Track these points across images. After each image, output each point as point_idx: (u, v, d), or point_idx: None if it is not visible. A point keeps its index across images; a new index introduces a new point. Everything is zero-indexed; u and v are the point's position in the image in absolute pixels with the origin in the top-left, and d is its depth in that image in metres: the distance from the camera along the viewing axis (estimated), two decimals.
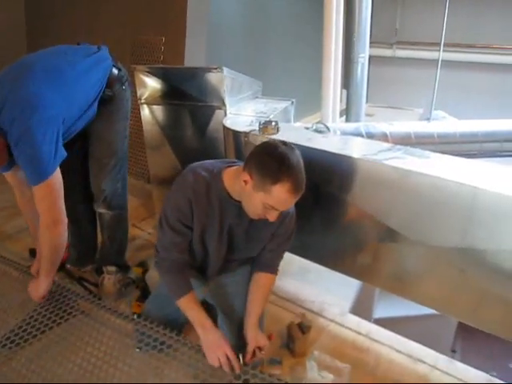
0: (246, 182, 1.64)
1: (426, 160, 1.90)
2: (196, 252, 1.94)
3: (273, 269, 1.99)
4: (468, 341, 4.32)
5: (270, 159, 1.59)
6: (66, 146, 2.12)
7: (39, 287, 2.13)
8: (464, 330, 4.12)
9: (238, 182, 1.68)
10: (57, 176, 1.90)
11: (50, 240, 1.99)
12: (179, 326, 2.04)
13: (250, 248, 1.96)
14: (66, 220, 2.00)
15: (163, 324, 1.97)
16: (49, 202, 1.93)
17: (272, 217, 1.68)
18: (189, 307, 1.85)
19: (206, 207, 1.78)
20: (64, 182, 2.34)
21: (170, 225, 1.80)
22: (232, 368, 1.74)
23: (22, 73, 1.89)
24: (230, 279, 2.06)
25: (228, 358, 1.75)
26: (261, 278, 1.96)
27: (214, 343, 1.78)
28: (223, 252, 1.93)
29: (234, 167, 1.80)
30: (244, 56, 4.83)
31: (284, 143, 1.64)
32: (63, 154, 1.92)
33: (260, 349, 1.82)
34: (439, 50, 3.75)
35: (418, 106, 6.62)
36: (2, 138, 1.83)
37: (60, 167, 2.14)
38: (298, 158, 1.61)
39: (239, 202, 1.76)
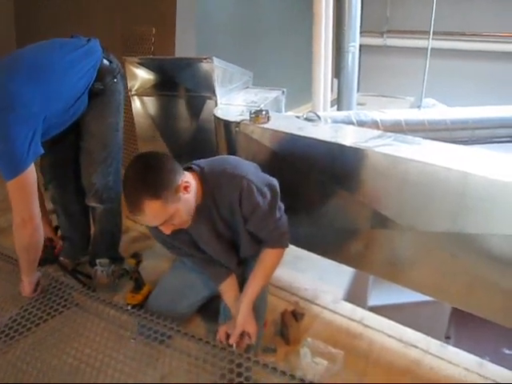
0: None
1: (416, 146, 1.91)
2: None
3: (272, 242, 1.87)
4: (462, 327, 4.34)
5: None
6: (58, 139, 2.16)
7: (24, 285, 2.15)
8: (458, 317, 4.14)
9: None
10: (30, 173, 1.89)
11: (21, 238, 1.98)
12: (186, 319, 2.12)
13: (239, 239, 1.93)
14: (37, 219, 1.98)
15: (172, 319, 1.95)
16: (20, 199, 1.92)
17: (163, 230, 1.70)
18: (223, 294, 2.00)
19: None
20: (57, 175, 2.35)
21: (163, 245, 2.01)
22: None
23: (7, 69, 1.90)
24: None
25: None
26: (261, 254, 1.89)
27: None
28: (227, 252, 1.96)
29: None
30: (234, 46, 4.82)
31: (149, 154, 1.73)
32: (38, 151, 1.91)
33: (249, 335, 1.83)
34: (429, 39, 3.76)
35: (410, 94, 6.64)
36: None
37: (52, 160, 2.16)
38: (134, 174, 1.60)
39: (196, 206, 1.75)
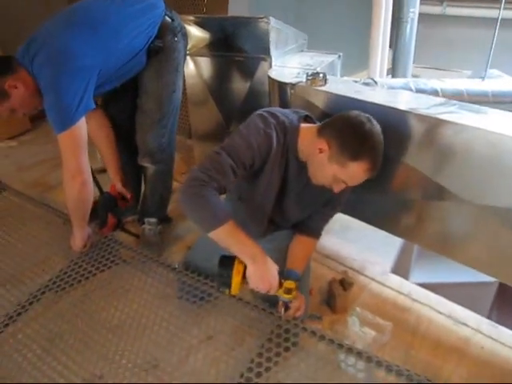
0: (321, 150, 1.58)
1: (483, 115, 1.79)
2: (242, 203, 1.86)
3: (317, 233, 1.96)
4: (505, 311, 4.24)
5: (354, 135, 1.55)
6: (118, 96, 2.22)
7: (75, 239, 2.20)
8: (502, 300, 4.03)
9: (312, 145, 1.62)
10: (80, 127, 1.90)
11: (70, 193, 2.01)
12: None
13: (299, 210, 1.89)
14: (87, 174, 2.00)
15: (209, 275, 1.97)
16: (70, 153, 1.94)
17: (338, 188, 1.65)
18: (233, 234, 1.53)
19: (277, 157, 1.66)
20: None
21: (232, 158, 1.55)
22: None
23: (65, 21, 1.91)
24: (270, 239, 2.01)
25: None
26: (304, 242, 1.92)
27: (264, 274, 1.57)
28: (269, 208, 1.84)
29: (309, 126, 1.71)
30: (289, 7, 4.66)
31: (368, 119, 1.59)
32: (90, 105, 1.91)
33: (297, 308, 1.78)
34: (500, 8, 3.53)
35: (467, 67, 6.36)
36: (34, 82, 1.87)
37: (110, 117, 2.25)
38: (380, 138, 1.58)
39: (303, 162, 1.70)
